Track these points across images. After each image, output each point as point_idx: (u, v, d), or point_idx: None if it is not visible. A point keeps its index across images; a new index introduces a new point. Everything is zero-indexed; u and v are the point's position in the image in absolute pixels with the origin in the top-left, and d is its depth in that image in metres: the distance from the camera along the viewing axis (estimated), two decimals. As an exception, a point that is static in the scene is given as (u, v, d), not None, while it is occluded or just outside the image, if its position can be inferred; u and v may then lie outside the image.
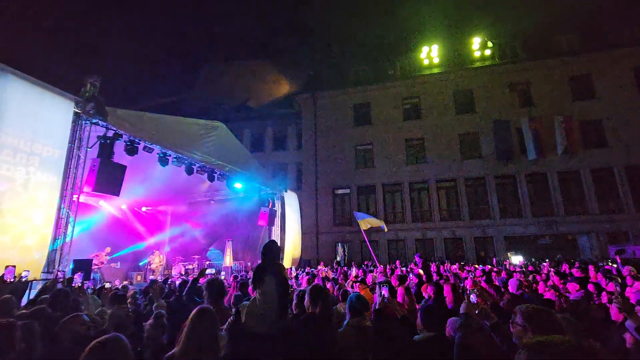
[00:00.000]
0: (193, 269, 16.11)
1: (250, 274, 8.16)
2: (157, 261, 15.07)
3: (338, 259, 22.20)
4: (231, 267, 16.40)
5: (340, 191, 23.76)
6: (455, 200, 21.40)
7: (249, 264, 16.73)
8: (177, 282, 5.86)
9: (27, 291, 5.52)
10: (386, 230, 15.03)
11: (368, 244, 14.57)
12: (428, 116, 22.82)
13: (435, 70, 23.72)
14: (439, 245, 20.85)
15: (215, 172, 13.12)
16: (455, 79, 22.91)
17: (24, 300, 4.97)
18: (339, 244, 22.89)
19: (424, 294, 5.39)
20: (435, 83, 23.12)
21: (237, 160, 13.57)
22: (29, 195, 6.97)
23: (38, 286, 7.27)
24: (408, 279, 6.90)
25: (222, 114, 26.22)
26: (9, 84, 6.87)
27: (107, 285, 5.75)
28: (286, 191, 17.60)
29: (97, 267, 12.45)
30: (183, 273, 14.20)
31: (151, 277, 13.35)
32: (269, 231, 17.37)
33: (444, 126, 22.24)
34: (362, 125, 23.92)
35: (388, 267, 13.75)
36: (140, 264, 15.78)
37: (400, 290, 5.04)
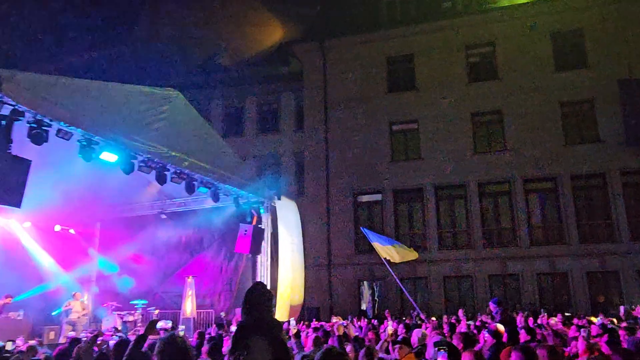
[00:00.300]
0: (135, 321, 16.32)
1: (228, 330, 8.23)
2: (78, 309, 15.33)
3: (364, 307, 22.23)
4: (193, 318, 16.57)
5: (365, 197, 23.85)
6: (556, 212, 21.35)
7: (222, 314, 16.88)
8: (112, 343, 6.00)
9: None
10: (412, 257, 15.07)
11: (399, 282, 14.61)
12: (508, 75, 22.77)
13: (520, 1, 23.61)
14: (528, 285, 20.84)
15: (168, 170, 13.26)
16: (553, 13, 22.80)
17: None
18: (365, 283, 22.94)
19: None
20: (520, 21, 23.06)
21: (202, 149, 13.72)
22: None
23: None
24: (479, 338, 6.91)
25: (176, 78, 26.52)
26: None
27: (8, 346, 5.90)
28: (279, 198, 17.71)
29: None
30: (119, 328, 14.40)
31: (70, 333, 13.58)
32: (252, 262, 17.50)
33: (536, 91, 22.17)
34: (401, 91, 24.02)
35: (445, 318, 13.76)
36: (54, 313, 16.03)
37: (466, 358, 5.10)
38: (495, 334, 7.23)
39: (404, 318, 15.37)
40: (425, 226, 22.32)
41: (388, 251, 14.97)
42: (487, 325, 9.63)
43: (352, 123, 23.83)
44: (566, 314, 15.48)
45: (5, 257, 16.25)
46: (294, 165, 25.62)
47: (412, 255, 15.30)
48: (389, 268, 14.41)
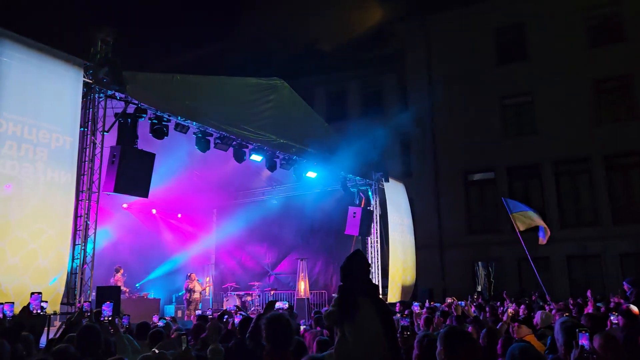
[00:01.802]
0: (253, 301, 17.29)
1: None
2: (198, 289, 16.50)
3: (479, 288, 21.76)
4: (307, 298, 17.19)
5: (477, 176, 23.20)
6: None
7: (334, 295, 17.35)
8: (237, 320, 6.48)
9: (47, 327, 6.61)
10: (545, 236, 14.41)
11: (531, 261, 14.06)
12: (636, 37, 20.69)
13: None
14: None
15: (277, 157, 13.82)
16: None
17: (43, 339, 5.99)
18: (479, 263, 22.40)
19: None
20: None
21: (307, 135, 14.11)
22: (39, 201, 8.27)
23: (56, 321, 8.66)
24: (608, 321, 6.58)
25: (279, 67, 27.26)
26: (5, 52, 8.17)
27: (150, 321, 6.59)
28: (387, 180, 17.76)
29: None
30: (240, 307, 15.31)
31: (197, 311, 14.70)
32: (362, 244, 17.76)
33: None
34: (512, 62, 22.84)
35: (571, 300, 13.08)
36: (180, 293, 17.40)
37: (597, 340, 4.87)
38: (628, 314, 6.77)
39: (526, 299, 14.80)
40: (544, 204, 21.20)
41: (529, 217, 14.54)
42: (618, 306, 9.06)
43: (459, 100, 23.10)
44: None
45: (136, 242, 17.95)
46: (399, 146, 25.38)
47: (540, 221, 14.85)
48: (523, 243, 13.97)
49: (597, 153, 20.62)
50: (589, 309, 10.49)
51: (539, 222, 14.58)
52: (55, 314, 8.01)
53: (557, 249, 20.17)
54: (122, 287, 14.81)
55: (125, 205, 17.60)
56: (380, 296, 4.18)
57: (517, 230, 14.40)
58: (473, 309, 11.70)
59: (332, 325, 4.17)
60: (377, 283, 17.48)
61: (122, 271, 15.40)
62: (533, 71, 22.08)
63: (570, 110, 20.94)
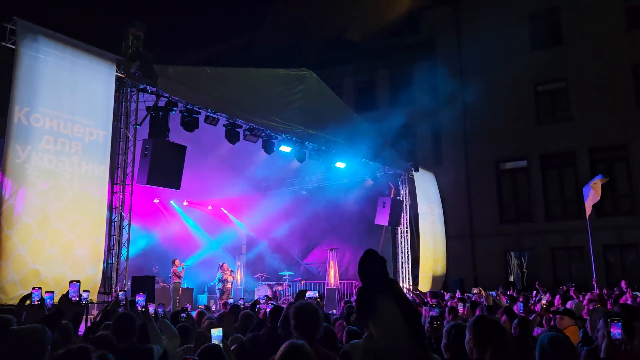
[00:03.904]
0: (283, 290, 17.48)
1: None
2: (228, 278, 16.77)
3: (511, 278, 21.52)
4: (337, 288, 17.29)
5: (509, 165, 22.84)
6: None
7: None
8: (268, 309, 6.60)
9: (85, 316, 6.86)
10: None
11: (591, 247, 13.76)
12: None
13: None
14: None
15: (306, 147, 13.88)
16: None
17: (82, 327, 6.22)
18: (511, 253, 22.12)
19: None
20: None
21: (336, 125, 14.12)
22: (75, 193, 8.54)
23: (93, 310, 8.96)
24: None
25: (307, 58, 27.22)
26: (41, 48, 8.42)
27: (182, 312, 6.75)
28: (417, 170, 17.66)
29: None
30: (271, 296, 15.52)
31: (230, 300, 14.96)
32: (392, 234, 17.75)
33: None
34: (546, 47, 22.29)
35: (605, 290, 12.87)
36: (211, 283, 17.72)
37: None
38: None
39: (563, 287, 14.59)
40: (579, 193, 20.76)
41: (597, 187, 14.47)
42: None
43: (490, 87, 22.68)
44: None
45: (169, 233, 18.35)
46: (429, 135, 25.15)
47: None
48: (589, 228, 13.82)
49: (635, 139, 20.04)
50: (627, 300, 10.28)
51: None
52: (92, 302, 8.27)
53: (593, 238, 19.76)
54: (179, 279, 15.42)
55: (157, 200, 17.98)
56: (401, 287, 4.28)
57: (587, 217, 14.21)
58: (505, 299, 11.61)
59: (362, 329, 4.28)
60: (407, 273, 17.50)
61: (177, 262, 15.92)
62: (568, 56, 21.53)
63: (607, 96, 20.37)
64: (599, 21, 21.00)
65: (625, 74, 20.38)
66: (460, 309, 7.87)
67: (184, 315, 6.48)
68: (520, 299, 10.50)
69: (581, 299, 10.54)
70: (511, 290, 15.77)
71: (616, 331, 3.46)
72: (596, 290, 12.62)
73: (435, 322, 5.68)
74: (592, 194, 14.67)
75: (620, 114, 20.08)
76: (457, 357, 3.65)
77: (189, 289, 16.50)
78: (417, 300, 12.74)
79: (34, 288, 5.09)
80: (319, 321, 3.61)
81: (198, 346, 4.99)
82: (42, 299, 5.05)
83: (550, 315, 6.53)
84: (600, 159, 21.11)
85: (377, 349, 3.70)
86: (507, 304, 9.71)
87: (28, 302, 5.22)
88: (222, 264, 17.19)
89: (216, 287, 16.84)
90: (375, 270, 4.17)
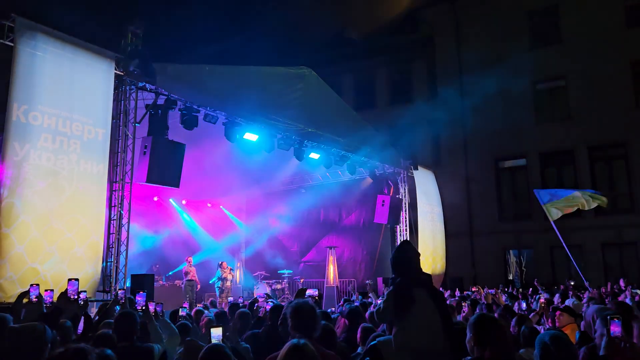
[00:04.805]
0: (283, 289, 17.46)
1: (373, 297, 8.55)
2: (227, 276, 16.75)
3: (510, 276, 21.53)
4: (336, 286, 17.27)
5: (508, 163, 22.83)
6: None
7: (369, 281, 17.35)
8: (267, 307, 6.57)
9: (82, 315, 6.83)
10: (602, 204, 13.93)
11: (567, 249, 13.77)
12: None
13: None
14: None
15: (306, 145, 13.85)
16: None
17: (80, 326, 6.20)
18: (510, 251, 22.12)
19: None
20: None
21: (335, 123, 14.11)
22: (73, 192, 8.51)
23: (93, 308, 8.93)
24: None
25: (306, 56, 27.18)
26: (39, 46, 8.39)
27: (180, 311, 6.71)
28: (416, 168, 17.66)
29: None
30: (270, 295, 15.49)
31: (229, 298, 14.95)
32: (391, 233, 17.74)
33: None
34: (545, 46, 22.30)
35: (604, 289, 12.88)
36: (211, 281, 17.70)
37: (637, 329, 4.76)
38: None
39: (561, 286, 14.59)
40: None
41: (566, 203, 14.18)
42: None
43: (489, 85, 22.61)
44: None
45: (168, 232, 18.33)
46: (429, 133, 25.08)
47: (586, 200, 14.21)
48: (558, 233, 13.66)
49: (634, 137, 20.05)
50: (625, 298, 10.28)
51: (579, 202, 14.14)
52: (91, 300, 8.26)
53: (592, 236, 19.78)
54: (193, 277, 15.47)
55: (155, 199, 17.96)
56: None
57: (551, 220, 14.08)
58: (504, 297, 11.62)
59: (384, 321, 4.18)
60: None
61: (191, 260, 15.99)
62: (567, 54, 21.53)
63: (607, 94, 20.37)
64: (598, 19, 21.00)
65: (624, 72, 20.38)
66: (465, 308, 7.87)
67: (183, 314, 6.47)
68: (520, 297, 10.53)
69: (583, 297, 10.55)
70: (511, 288, 15.80)
71: (615, 329, 3.46)
72: (589, 289, 12.63)
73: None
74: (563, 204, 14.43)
75: (619, 112, 20.08)
76: (460, 355, 3.66)
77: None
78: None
79: (31, 285, 5.07)
80: (317, 320, 3.57)
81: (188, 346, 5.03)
82: (39, 296, 5.04)
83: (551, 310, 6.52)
84: (599, 157, 21.13)
85: (413, 347, 3.67)
86: (507, 302, 9.71)
87: (26, 299, 5.20)
88: (221, 262, 17.17)
89: (215, 286, 16.82)
90: (412, 262, 4.10)
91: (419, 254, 4.20)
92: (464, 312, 7.76)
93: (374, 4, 29.76)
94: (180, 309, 6.74)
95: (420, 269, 4.14)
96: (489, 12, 23.31)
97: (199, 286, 15.84)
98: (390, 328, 4.07)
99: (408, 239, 17.58)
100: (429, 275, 4.17)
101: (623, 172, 20.56)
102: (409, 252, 4.15)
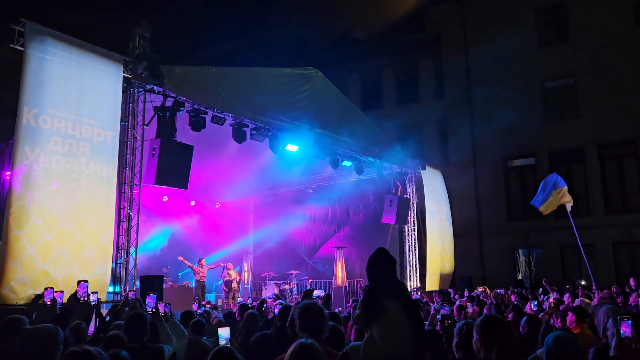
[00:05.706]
0: (291, 289, 17.51)
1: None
2: (235, 278, 16.83)
3: (520, 276, 21.45)
4: (344, 286, 17.29)
5: (517, 162, 22.76)
6: None
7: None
8: (276, 309, 6.60)
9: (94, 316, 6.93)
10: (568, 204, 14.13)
11: (581, 247, 13.71)
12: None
13: None
14: None
15: (313, 146, 13.87)
16: None
17: (91, 327, 6.28)
18: (520, 251, 22.04)
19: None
20: None
21: (343, 124, 14.13)
22: (83, 194, 8.59)
23: (102, 309, 9.01)
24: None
25: (313, 57, 27.20)
26: (49, 50, 8.47)
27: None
28: (423, 168, 17.63)
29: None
30: (278, 295, 15.57)
31: (239, 299, 15.07)
32: (399, 232, 17.72)
33: None
34: (554, 44, 22.18)
35: (614, 288, 12.80)
36: (218, 282, 17.80)
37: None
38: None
39: (568, 287, 14.53)
40: (588, 189, 20.66)
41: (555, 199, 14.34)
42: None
43: (497, 83, 22.58)
44: None
45: (177, 233, 18.43)
46: (436, 133, 25.07)
47: (562, 197, 14.52)
48: (575, 231, 13.62)
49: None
50: (638, 298, 10.22)
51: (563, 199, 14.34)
52: (101, 302, 8.34)
53: (602, 235, 19.66)
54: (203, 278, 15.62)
55: (165, 199, 18.05)
56: (408, 291, 4.11)
57: (571, 220, 14.16)
58: (513, 297, 11.58)
59: (361, 328, 4.18)
60: (414, 272, 17.49)
61: (203, 262, 16.28)
62: (575, 52, 21.41)
63: (616, 92, 20.23)
64: (607, 16, 20.87)
65: (634, 69, 20.21)
66: (470, 309, 7.86)
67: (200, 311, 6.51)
68: (530, 298, 10.48)
69: (594, 297, 10.51)
70: (520, 289, 15.74)
71: (626, 329, 3.45)
72: (595, 289, 12.57)
73: (446, 321, 5.66)
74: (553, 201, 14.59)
75: (629, 110, 19.93)
76: (468, 356, 3.66)
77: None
78: (426, 299, 12.76)
79: (46, 289, 5.14)
80: (325, 321, 3.59)
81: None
82: (54, 299, 5.12)
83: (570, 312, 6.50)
84: (609, 155, 20.99)
85: (380, 357, 3.64)
86: (516, 302, 9.69)
87: (40, 301, 5.28)
88: (228, 264, 17.28)
89: (222, 287, 16.94)
90: (385, 270, 4.05)
91: (394, 262, 4.11)
92: (468, 312, 7.75)
93: (381, 3, 29.75)
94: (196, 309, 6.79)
95: (395, 278, 4.07)
96: (496, 10, 23.21)
97: None
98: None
99: (416, 238, 17.59)
100: (402, 285, 4.10)
101: (634, 170, 20.41)
102: (382, 260, 4.06)
